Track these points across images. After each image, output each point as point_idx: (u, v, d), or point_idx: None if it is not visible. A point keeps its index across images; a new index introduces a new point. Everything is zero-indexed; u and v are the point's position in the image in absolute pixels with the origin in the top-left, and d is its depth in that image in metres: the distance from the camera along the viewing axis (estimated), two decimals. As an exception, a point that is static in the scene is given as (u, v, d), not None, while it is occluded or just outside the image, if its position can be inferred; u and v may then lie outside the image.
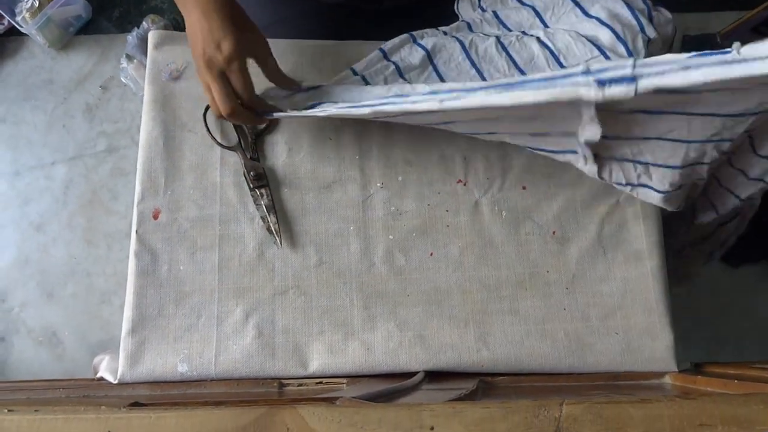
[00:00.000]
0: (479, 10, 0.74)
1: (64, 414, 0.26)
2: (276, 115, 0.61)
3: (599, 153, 0.54)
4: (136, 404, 0.28)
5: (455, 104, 0.48)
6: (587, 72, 0.44)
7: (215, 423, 0.25)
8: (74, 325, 1.06)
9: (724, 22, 1.07)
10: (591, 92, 0.43)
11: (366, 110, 0.53)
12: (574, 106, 0.46)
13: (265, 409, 0.25)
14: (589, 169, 0.55)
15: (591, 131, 0.48)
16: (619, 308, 0.64)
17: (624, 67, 0.42)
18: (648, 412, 0.27)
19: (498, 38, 0.67)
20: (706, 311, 1.01)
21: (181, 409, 0.25)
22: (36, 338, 1.06)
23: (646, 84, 0.41)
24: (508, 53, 0.66)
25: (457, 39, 0.68)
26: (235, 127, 0.68)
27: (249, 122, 0.65)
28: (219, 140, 0.68)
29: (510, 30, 0.71)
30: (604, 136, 0.49)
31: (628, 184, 0.56)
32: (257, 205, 0.66)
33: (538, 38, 0.66)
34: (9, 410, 0.27)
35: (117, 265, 1.08)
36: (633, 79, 0.42)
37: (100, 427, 0.26)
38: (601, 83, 0.43)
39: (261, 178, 0.66)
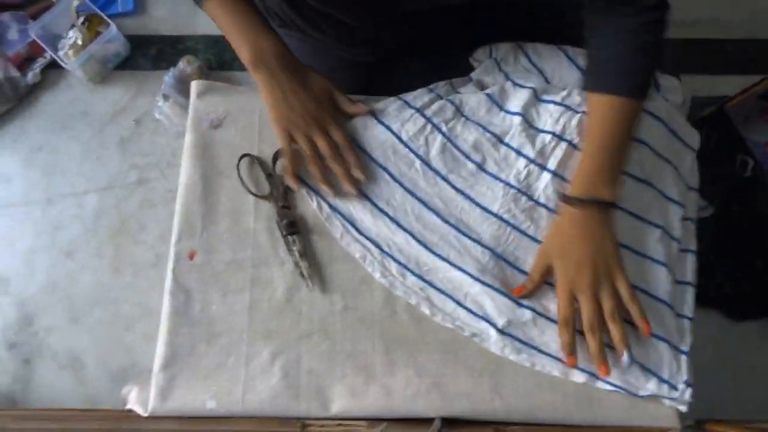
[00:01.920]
0: (497, 69, 0.79)
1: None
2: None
3: None
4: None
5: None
6: None
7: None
8: (98, 351, 1.09)
9: (731, 85, 1.12)
10: None
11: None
12: None
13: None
14: None
15: None
16: (628, 365, 0.67)
17: None
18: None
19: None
20: (709, 366, 1.03)
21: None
22: (59, 362, 1.10)
23: None
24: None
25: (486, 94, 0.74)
26: (267, 177, 0.72)
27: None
28: (252, 189, 0.72)
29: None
30: None
31: None
32: (290, 250, 0.70)
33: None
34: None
35: (142, 294, 1.12)
36: None
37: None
38: None
39: (293, 226, 0.70)
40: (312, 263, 0.70)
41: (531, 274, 0.65)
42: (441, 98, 0.74)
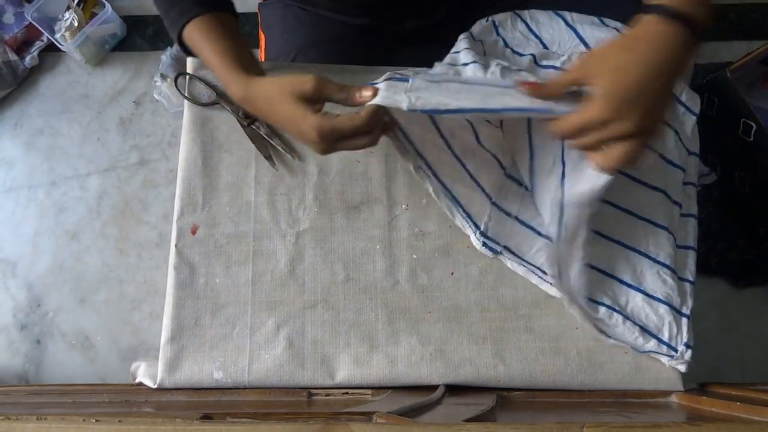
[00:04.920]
0: (495, 33, 0.78)
1: (144, 425, 0.30)
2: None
3: None
4: (206, 417, 0.33)
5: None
6: None
7: (279, 435, 0.29)
8: (106, 330, 1.11)
9: (733, 51, 1.11)
10: None
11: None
12: None
13: (321, 425, 0.29)
14: None
15: None
16: (630, 329, 0.67)
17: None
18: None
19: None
20: (712, 331, 1.04)
21: (247, 423, 0.29)
22: (69, 342, 1.12)
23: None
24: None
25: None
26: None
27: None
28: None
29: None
30: None
31: None
32: (258, 136, 0.73)
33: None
34: (96, 420, 0.31)
35: (147, 273, 1.13)
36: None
37: (177, 437, 0.30)
38: None
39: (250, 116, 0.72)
40: (313, 235, 0.70)
41: (558, 79, 0.51)
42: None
